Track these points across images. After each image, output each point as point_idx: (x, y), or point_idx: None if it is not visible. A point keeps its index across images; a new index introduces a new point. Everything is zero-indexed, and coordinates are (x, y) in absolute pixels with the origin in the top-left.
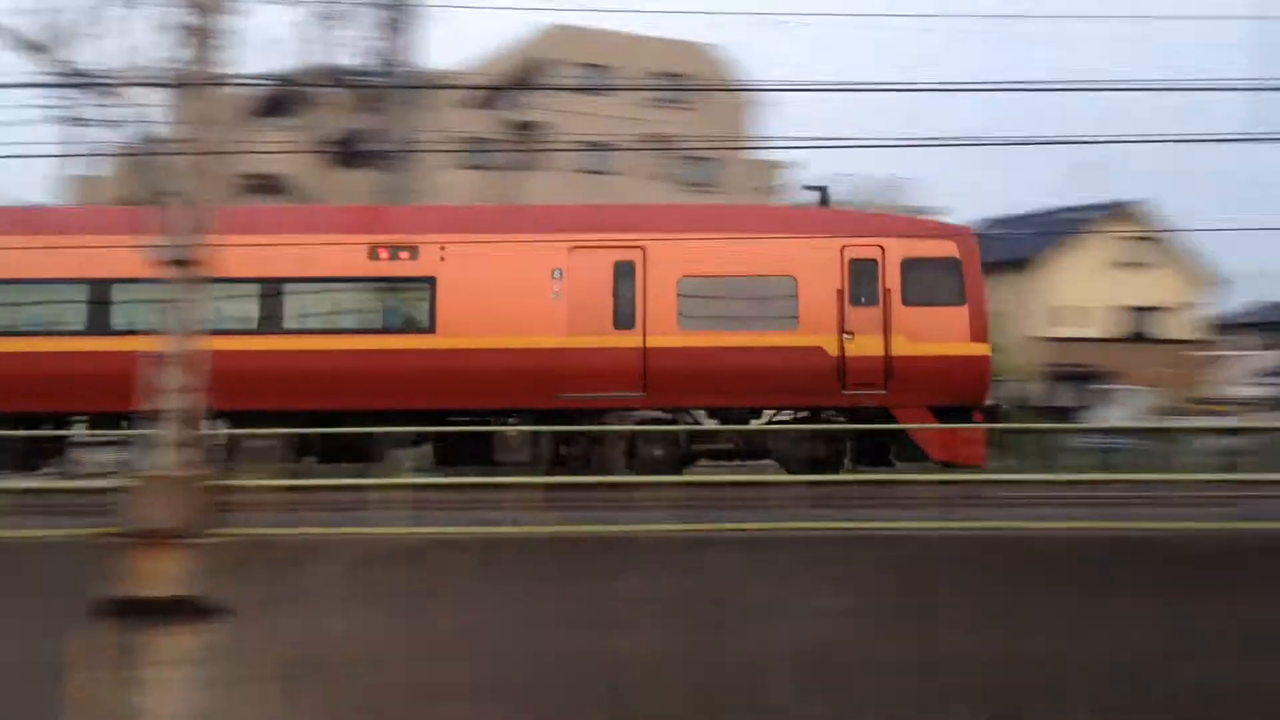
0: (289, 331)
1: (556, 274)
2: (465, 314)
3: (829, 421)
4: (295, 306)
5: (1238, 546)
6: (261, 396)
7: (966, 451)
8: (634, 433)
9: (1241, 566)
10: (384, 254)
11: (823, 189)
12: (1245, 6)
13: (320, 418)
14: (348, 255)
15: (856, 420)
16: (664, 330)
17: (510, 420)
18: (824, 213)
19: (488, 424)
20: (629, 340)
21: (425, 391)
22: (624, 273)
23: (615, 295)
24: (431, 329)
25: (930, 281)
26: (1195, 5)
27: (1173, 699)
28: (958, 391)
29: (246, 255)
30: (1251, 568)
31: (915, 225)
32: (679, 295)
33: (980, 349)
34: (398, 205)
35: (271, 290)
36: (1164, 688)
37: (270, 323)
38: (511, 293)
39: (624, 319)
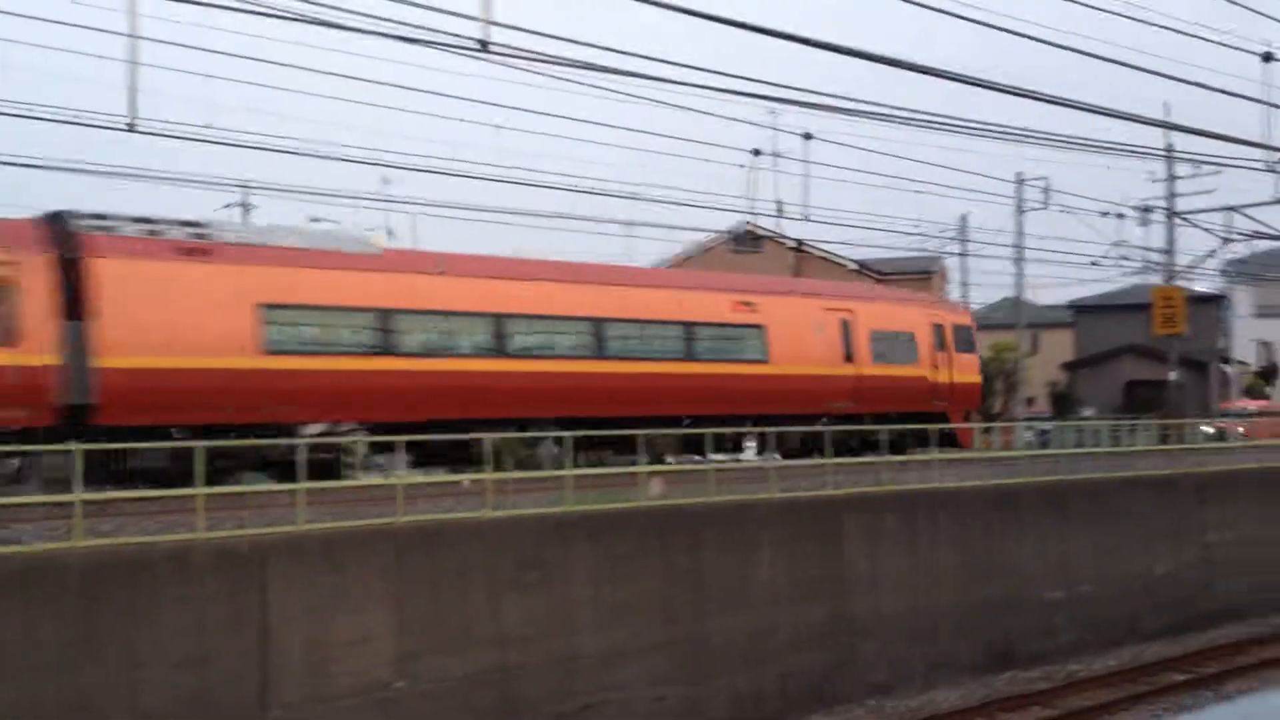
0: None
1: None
2: (784, 350)
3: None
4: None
5: None
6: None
7: (969, 439)
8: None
9: None
10: (737, 307)
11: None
12: None
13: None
14: (718, 306)
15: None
16: (866, 364)
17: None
18: (915, 293)
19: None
20: (851, 369)
21: (759, 402)
22: (845, 326)
23: (843, 340)
24: (766, 360)
25: (962, 339)
26: None
27: None
28: (971, 404)
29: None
30: None
31: (950, 304)
32: (870, 341)
33: (979, 379)
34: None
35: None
36: None
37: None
38: (800, 337)
39: (847, 356)
